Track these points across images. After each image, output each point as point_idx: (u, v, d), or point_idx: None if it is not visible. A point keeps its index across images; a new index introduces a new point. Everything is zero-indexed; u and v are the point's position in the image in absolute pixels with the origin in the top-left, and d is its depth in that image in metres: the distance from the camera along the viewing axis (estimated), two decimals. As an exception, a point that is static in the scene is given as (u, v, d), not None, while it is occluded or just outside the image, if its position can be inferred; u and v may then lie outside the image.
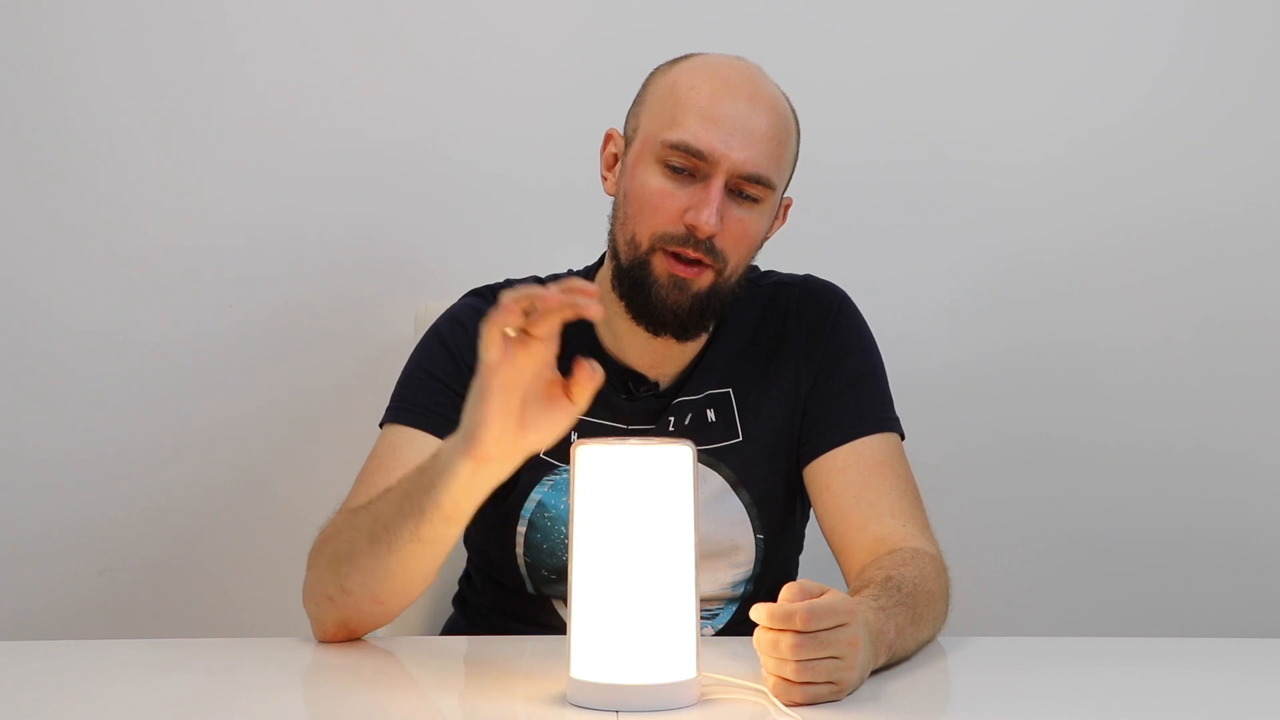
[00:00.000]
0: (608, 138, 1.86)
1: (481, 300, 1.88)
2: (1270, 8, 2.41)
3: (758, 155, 1.75)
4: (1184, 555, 2.42)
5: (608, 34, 2.37)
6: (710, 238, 1.74)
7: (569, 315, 1.39)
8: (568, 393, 1.45)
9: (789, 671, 1.39)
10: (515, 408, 1.44)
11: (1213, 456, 2.42)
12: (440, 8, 2.38)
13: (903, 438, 1.84)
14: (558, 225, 2.34)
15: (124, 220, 2.37)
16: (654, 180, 1.76)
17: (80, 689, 1.52)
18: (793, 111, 1.83)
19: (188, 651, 1.70)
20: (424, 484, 1.54)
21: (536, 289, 1.38)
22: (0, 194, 2.35)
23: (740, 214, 1.76)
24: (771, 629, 1.39)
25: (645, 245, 1.77)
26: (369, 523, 1.60)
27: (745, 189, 1.76)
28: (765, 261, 1.94)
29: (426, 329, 1.89)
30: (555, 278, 1.91)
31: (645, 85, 1.84)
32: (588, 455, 1.41)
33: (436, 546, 1.57)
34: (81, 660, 1.66)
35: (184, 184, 2.37)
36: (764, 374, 1.85)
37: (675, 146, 1.74)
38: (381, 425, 1.81)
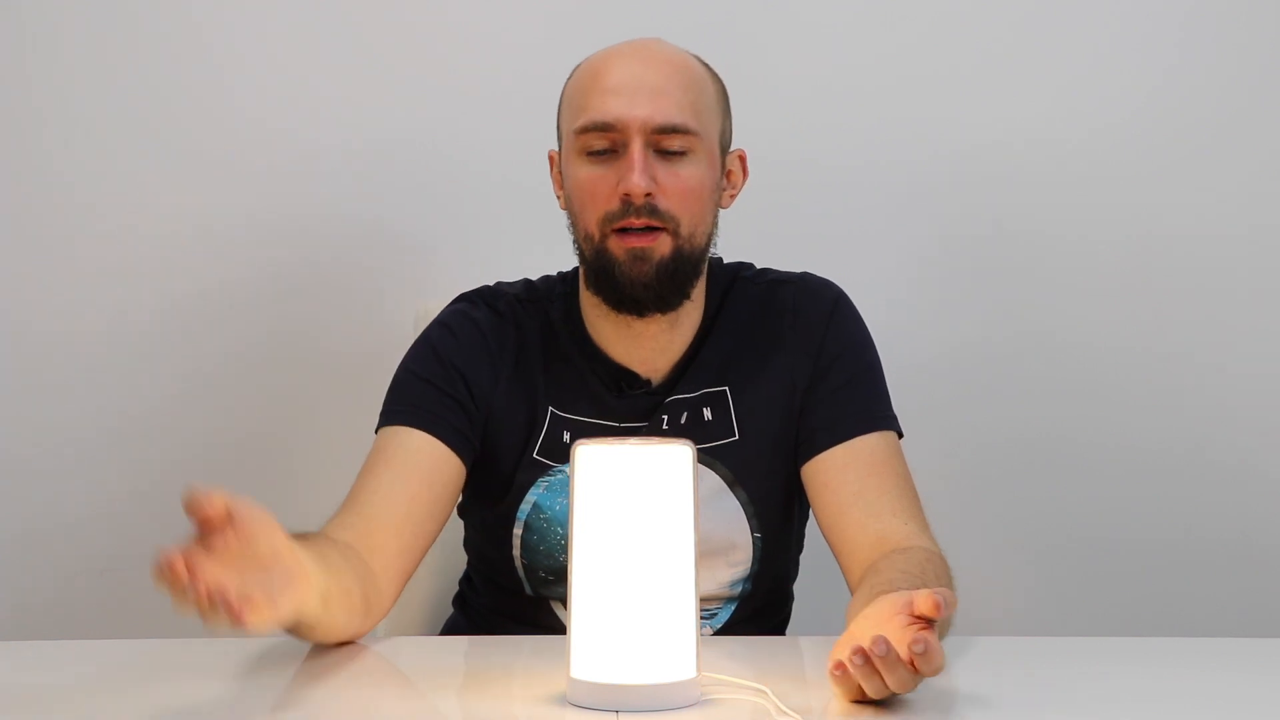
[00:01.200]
0: (550, 160, 1.88)
1: (470, 305, 1.88)
2: (1271, 8, 2.41)
3: (666, 105, 1.75)
4: (1184, 555, 2.42)
5: (607, 34, 2.36)
6: (646, 197, 1.74)
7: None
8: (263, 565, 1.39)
9: (874, 690, 1.37)
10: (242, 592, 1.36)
11: (1213, 456, 2.42)
12: (440, 8, 2.38)
13: (901, 436, 1.84)
14: (556, 225, 2.33)
15: (123, 222, 2.37)
16: (581, 171, 1.78)
17: (80, 689, 1.52)
18: (706, 67, 1.83)
19: (188, 651, 1.70)
20: None
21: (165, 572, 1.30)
22: None
23: (673, 169, 1.76)
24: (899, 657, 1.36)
25: (597, 234, 1.77)
26: None
27: (666, 144, 1.76)
28: (763, 260, 1.94)
29: (423, 331, 1.89)
30: (547, 280, 1.92)
31: (559, 97, 1.86)
32: (587, 455, 1.41)
33: (319, 630, 1.57)
34: (81, 660, 1.66)
35: (183, 185, 2.37)
36: (760, 371, 1.85)
37: (585, 130, 1.77)
38: (376, 432, 1.81)
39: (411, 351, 1.87)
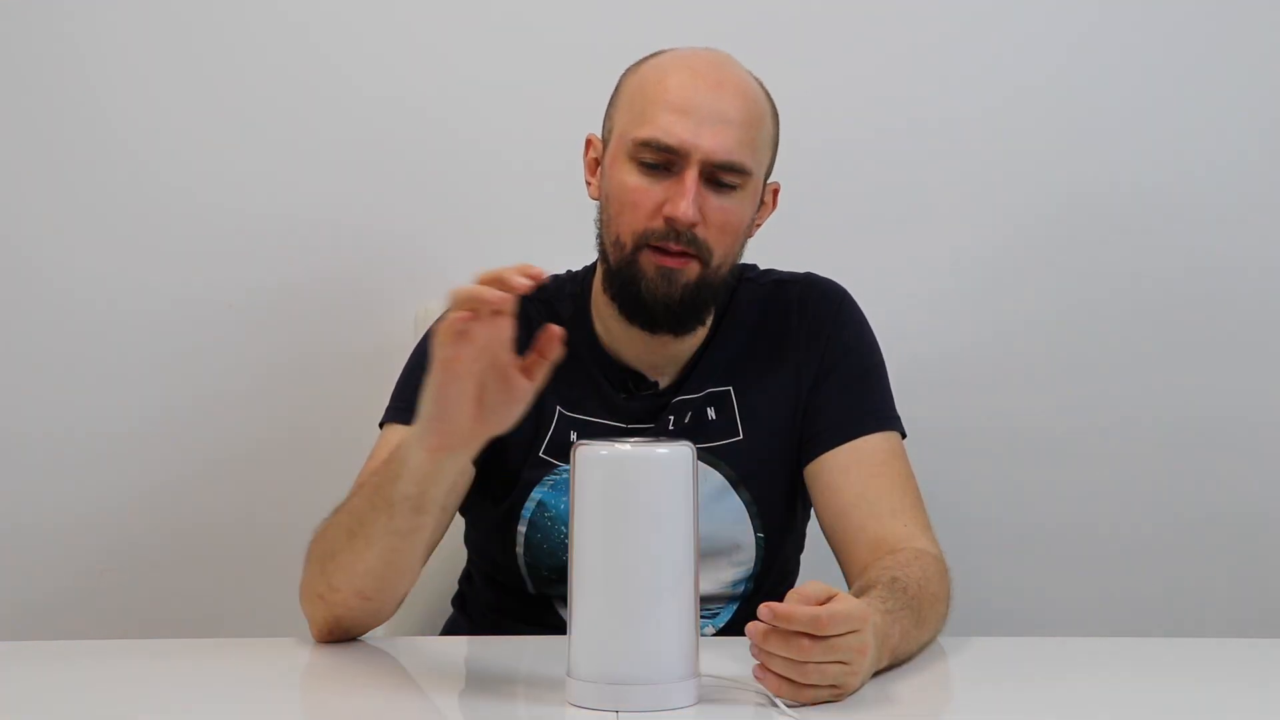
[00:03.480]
0: (588, 143, 1.86)
1: None
2: (1271, 8, 2.41)
3: (729, 142, 1.74)
4: (1184, 554, 2.42)
5: (609, 31, 2.37)
6: (691, 227, 1.74)
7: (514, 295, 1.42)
8: (526, 372, 1.47)
9: (796, 673, 1.38)
10: (471, 396, 1.47)
11: (1215, 455, 2.42)
12: (442, 3, 2.38)
13: (904, 436, 1.84)
14: (557, 225, 2.33)
15: (124, 221, 2.37)
16: (630, 179, 1.76)
17: (80, 689, 1.52)
18: (767, 96, 1.83)
19: (187, 651, 1.70)
20: (390, 476, 1.56)
21: (477, 291, 1.41)
22: None
23: (720, 202, 1.76)
24: (787, 630, 1.38)
25: (630, 244, 1.77)
26: (346, 520, 1.62)
27: (721, 177, 1.75)
28: (763, 256, 1.94)
29: (427, 329, 1.89)
30: (557, 279, 1.92)
31: (617, 86, 1.84)
32: (587, 455, 1.41)
33: (413, 538, 1.59)
34: (82, 660, 1.66)
35: (182, 185, 2.36)
36: (765, 372, 1.85)
37: (646, 143, 1.75)
38: (381, 426, 1.81)
39: (420, 347, 1.85)
